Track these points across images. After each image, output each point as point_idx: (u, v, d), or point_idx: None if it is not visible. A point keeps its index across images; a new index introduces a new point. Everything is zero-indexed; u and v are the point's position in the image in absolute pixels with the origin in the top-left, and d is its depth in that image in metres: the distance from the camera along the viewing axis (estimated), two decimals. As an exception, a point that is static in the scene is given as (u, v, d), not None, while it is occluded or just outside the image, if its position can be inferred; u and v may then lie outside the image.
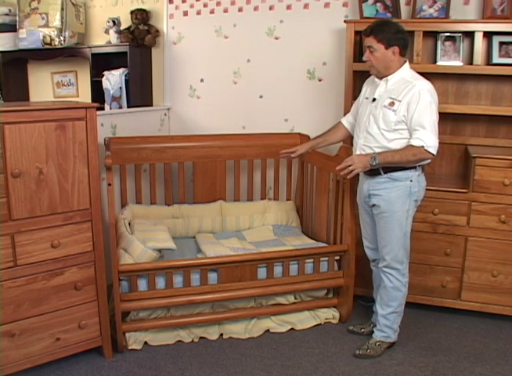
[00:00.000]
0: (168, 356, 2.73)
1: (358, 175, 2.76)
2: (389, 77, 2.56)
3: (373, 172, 2.61)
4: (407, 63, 2.58)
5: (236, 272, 2.84)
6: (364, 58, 2.59)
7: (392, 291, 2.69)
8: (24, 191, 2.27)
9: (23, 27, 3.98)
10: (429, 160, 2.54)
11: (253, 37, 3.73)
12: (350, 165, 2.55)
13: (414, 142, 2.45)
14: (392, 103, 2.51)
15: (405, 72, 2.56)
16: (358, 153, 2.65)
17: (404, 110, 2.47)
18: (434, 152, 2.46)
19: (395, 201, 2.57)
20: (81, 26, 4.11)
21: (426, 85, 2.49)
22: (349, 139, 2.94)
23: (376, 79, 2.63)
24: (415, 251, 2.99)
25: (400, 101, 2.48)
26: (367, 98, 2.69)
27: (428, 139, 2.43)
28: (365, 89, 2.76)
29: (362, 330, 2.94)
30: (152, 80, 4.07)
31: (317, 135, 3.01)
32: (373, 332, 2.83)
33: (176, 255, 2.94)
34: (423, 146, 2.43)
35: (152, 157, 3.38)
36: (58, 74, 4.41)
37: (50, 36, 3.93)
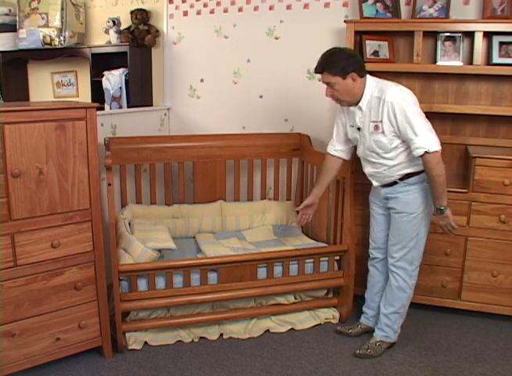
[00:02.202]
0: (168, 356, 2.73)
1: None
2: (360, 104, 2.52)
3: (390, 184, 2.60)
4: (369, 78, 2.52)
5: (236, 272, 2.84)
6: (327, 95, 2.54)
7: (397, 290, 2.68)
8: (24, 191, 2.27)
9: (23, 27, 3.98)
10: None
11: (253, 37, 3.73)
12: (447, 228, 2.54)
13: (416, 153, 2.40)
14: (377, 127, 2.48)
15: (371, 89, 2.50)
16: (370, 177, 2.67)
17: (389, 127, 2.44)
18: (438, 147, 2.40)
19: (413, 203, 2.56)
20: (81, 26, 4.11)
21: (394, 93, 2.42)
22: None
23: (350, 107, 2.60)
24: (415, 251, 2.99)
25: (381, 121, 2.45)
26: (352, 126, 2.65)
27: (426, 141, 2.39)
28: (343, 116, 2.70)
29: (350, 330, 2.93)
30: (152, 80, 4.07)
31: (315, 183, 2.95)
32: (361, 334, 2.86)
33: (176, 255, 2.94)
34: (426, 152, 2.38)
35: (152, 157, 3.38)
36: (58, 74, 4.41)
37: (50, 36, 3.93)
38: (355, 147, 2.74)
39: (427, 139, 2.39)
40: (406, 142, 2.46)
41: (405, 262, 2.64)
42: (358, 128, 2.58)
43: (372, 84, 2.51)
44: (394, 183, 2.59)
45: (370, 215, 2.84)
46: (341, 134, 2.76)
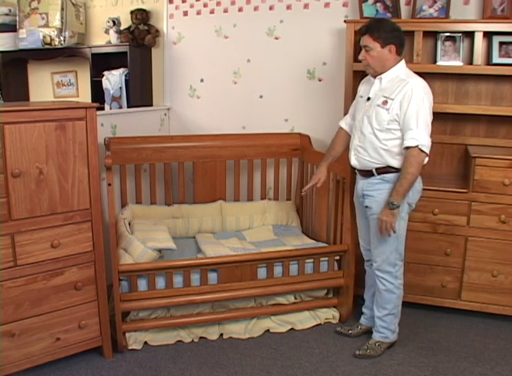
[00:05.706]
0: (168, 356, 2.73)
1: (355, 174, 2.75)
2: (383, 75, 2.53)
3: (367, 173, 2.59)
4: (403, 62, 2.54)
5: (236, 272, 2.84)
6: (360, 57, 2.55)
7: (385, 293, 2.67)
8: (24, 191, 2.27)
9: (23, 27, 3.98)
10: (425, 162, 2.50)
11: (253, 37, 3.73)
12: (386, 226, 2.50)
13: (408, 143, 2.40)
14: (385, 102, 2.48)
15: (400, 70, 2.52)
16: (352, 153, 2.63)
17: (397, 109, 2.44)
18: (428, 151, 2.41)
19: None
20: (81, 26, 4.11)
21: (419, 82, 2.45)
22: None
23: (372, 78, 2.61)
24: (415, 251, 2.99)
25: (393, 99, 2.45)
26: (362, 96, 2.66)
27: (422, 137, 2.38)
28: (361, 88, 2.73)
29: (350, 331, 2.93)
30: (152, 80, 4.07)
31: (326, 152, 2.92)
32: (360, 334, 2.85)
33: (176, 255, 2.94)
34: (417, 146, 2.38)
35: (152, 157, 3.38)
36: (58, 74, 4.41)
37: (50, 36, 3.93)
38: None
39: (424, 137, 2.40)
40: (400, 132, 2.45)
41: (389, 265, 2.63)
42: (368, 98, 2.57)
43: (403, 68, 2.53)
44: (370, 174, 2.57)
45: (357, 217, 2.84)
46: (353, 109, 2.77)
